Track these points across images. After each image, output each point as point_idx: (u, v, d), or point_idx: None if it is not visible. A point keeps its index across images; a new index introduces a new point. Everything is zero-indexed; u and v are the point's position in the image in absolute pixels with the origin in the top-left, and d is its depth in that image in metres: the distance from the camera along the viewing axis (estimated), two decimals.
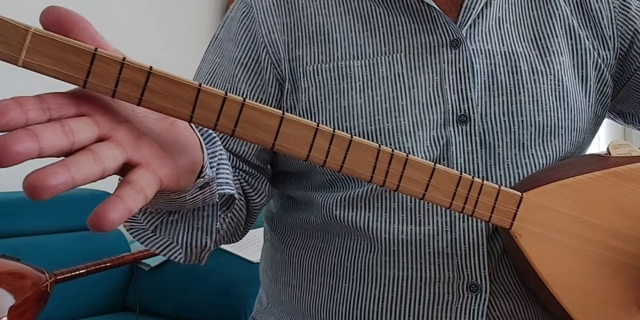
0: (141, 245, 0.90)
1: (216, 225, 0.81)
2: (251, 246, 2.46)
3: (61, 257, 2.33)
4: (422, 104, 0.90)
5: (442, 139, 0.89)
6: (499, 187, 0.77)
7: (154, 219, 0.79)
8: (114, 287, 2.63)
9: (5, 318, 1.57)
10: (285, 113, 0.59)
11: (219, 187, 0.78)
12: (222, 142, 0.91)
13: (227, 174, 0.80)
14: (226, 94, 0.55)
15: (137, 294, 2.45)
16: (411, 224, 0.88)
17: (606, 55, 0.97)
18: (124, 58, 0.51)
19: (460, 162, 0.89)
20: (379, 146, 0.66)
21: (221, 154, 0.81)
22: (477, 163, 0.89)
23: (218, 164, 0.79)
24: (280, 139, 0.60)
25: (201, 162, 0.65)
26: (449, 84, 0.91)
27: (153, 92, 0.52)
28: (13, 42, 0.48)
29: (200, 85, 0.54)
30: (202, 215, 0.80)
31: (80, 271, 1.93)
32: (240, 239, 0.96)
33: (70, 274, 1.89)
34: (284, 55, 0.93)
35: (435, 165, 0.71)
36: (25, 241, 2.42)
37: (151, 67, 0.52)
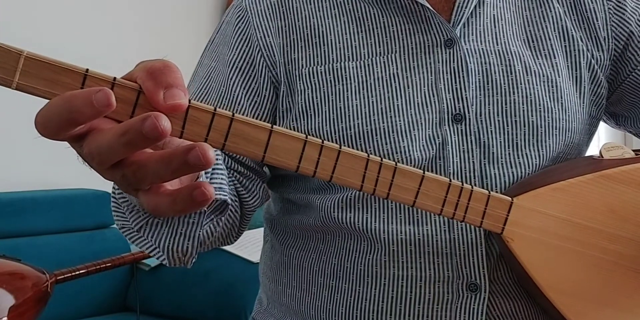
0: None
1: (199, 232, 0.82)
2: (251, 246, 2.47)
3: (61, 257, 2.33)
4: (418, 103, 0.90)
5: (438, 138, 0.90)
6: (489, 192, 0.77)
7: (140, 218, 0.80)
8: (114, 287, 2.64)
9: (6, 318, 1.58)
10: (274, 126, 0.60)
11: None
12: None
13: (221, 178, 0.81)
14: (215, 109, 0.56)
15: (137, 294, 2.45)
16: (409, 224, 0.89)
17: (600, 56, 0.97)
18: (115, 78, 0.52)
19: (456, 161, 0.89)
20: (368, 155, 0.67)
21: (216, 158, 0.81)
22: (473, 162, 0.89)
23: (213, 169, 0.80)
24: (270, 151, 0.60)
25: None
26: (444, 84, 0.91)
27: (144, 109, 0.53)
28: (6, 66, 0.49)
29: (190, 101, 0.55)
30: (188, 221, 0.80)
31: (81, 271, 1.94)
32: (235, 240, 0.97)
33: (70, 274, 1.89)
34: (279, 59, 0.94)
35: (424, 172, 0.72)
36: (25, 241, 2.43)
37: (141, 86, 0.53)
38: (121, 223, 0.84)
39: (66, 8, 2.89)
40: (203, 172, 0.69)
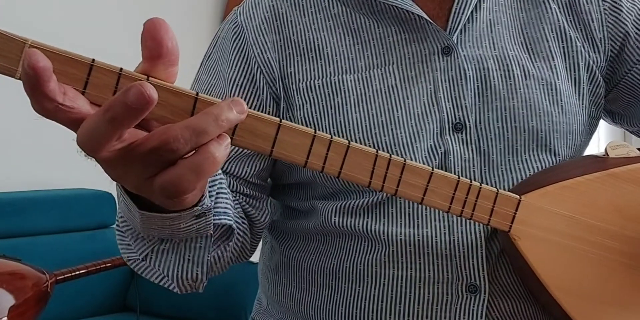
0: None
1: (208, 257, 0.80)
2: None
3: (61, 257, 2.33)
4: (418, 114, 0.89)
5: (440, 148, 0.89)
6: (497, 190, 0.77)
7: (145, 246, 0.79)
8: (114, 287, 2.64)
9: (6, 318, 1.58)
10: (283, 120, 0.59)
11: (216, 217, 0.78)
12: (221, 167, 0.91)
13: (226, 203, 0.80)
14: (221, 101, 0.55)
15: (137, 294, 2.45)
16: (410, 226, 0.88)
17: (596, 57, 0.96)
18: (121, 69, 0.51)
19: (458, 171, 0.88)
20: (377, 152, 0.66)
21: (221, 183, 0.81)
22: (474, 171, 0.89)
23: (217, 193, 0.79)
24: (278, 146, 0.60)
25: (201, 189, 0.65)
26: (443, 92, 0.90)
27: None
28: (10, 55, 0.48)
29: (197, 94, 0.54)
30: (195, 246, 0.79)
31: (81, 271, 1.93)
32: (249, 258, 0.96)
33: (70, 274, 1.89)
34: (277, 74, 0.93)
35: (433, 169, 0.71)
36: (25, 241, 2.43)
37: (148, 76, 0.52)
38: (127, 255, 0.83)
39: (64, 9, 2.88)
40: (208, 196, 0.69)
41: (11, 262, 1.76)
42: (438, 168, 0.88)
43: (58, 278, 1.84)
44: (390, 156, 0.68)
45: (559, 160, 0.92)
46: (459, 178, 0.73)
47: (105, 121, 0.50)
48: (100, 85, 0.51)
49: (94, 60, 0.50)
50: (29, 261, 1.80)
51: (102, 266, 2.02)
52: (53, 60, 0.49)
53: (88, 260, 2.00)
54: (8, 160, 2.66)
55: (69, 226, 2.59)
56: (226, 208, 0.80)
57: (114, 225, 0.84)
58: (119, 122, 0.50)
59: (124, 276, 2.65)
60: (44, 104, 0.49)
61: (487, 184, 0.88)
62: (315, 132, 0.62)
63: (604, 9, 0.96)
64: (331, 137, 0.63)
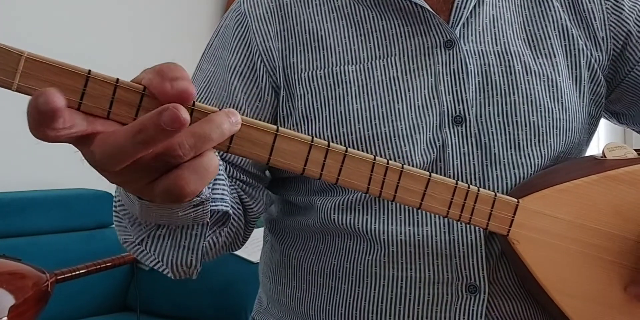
0: None
1: (203, 244, 0.81)
2: (251, 246, 2.46)
3: (61, 257, 2.33)
4: (418, 106, 0.90)
5: (439, 141, 0.89)
6: (495, 194, 0.77)
7: (142, 231, 0.80)
8: (115, 287, 2.64)
9: (6, 318, 1.58)
10: (280, 128, 0.59)
11: (213, 204, 0.78)
12: (218, 153, 0.91)
13: (223, 189, 0.81)
14: (220, 110, 0.56)
15: (137, 294, 2.45)
16: (409, 224, 0.88)
17: (599, 56, 0.97)
18: (117, 79, 0.51)
19: (457, 164, 0.89)
20: (374, 158, 0.67)
21: (218, 169, 0.81)
22: (474, 164, 0.89)
23: (215, 180, 0.80)
24: (275, 154, 0.60)
25: None
26: (444, 86, 0.90)
27: (147, 111, 0.52)
28: (6, 67, 0.48)
29: (193, 104, 0.54)
30: (190, 233, 0.80)
31: (81, 271, 1.93)
32: (241, 247, 0.97)
33: (70, 274, 1.89)
34: (278, 63, 0.93)
35: (430, 175, 0.71)
36: (25, 241, 2.43)
37: (144, 88, 0.52)
38: (123, 237, 0.84)
39: (64, 10, 2.88)
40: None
41: (11, 262, 1.76)
42: (436, 161, 0.89)
43: (58, 278, 1.84)
44: (388, 162, 0.68)
45: (557, 156, 0.93)
46: (456, 183, 0.73)
47: (135, 142, 0.51)
48: (97, 96, 0.51)
49: (89, 71, 0.51)
50: (29, 261, 1.80)
51: (102, 266, 2.02)
52: (49, 72, 0.49)
53: (88, 260, 2.00)
54: (8, 160, 2.66)
55: (69, 226, 2.58)
56: (223, 194, 0.81)
57: (113, 208, 0.85)
58: (151, 144, 0.51)
59: (124, 276, 2.65)
60: (47, 134, 0.50)
61: (489, 179, 0.89)
62: (312, 140, 0.62)
63: (606, 8, 0.97)
64: (328, 144, 0.63)
